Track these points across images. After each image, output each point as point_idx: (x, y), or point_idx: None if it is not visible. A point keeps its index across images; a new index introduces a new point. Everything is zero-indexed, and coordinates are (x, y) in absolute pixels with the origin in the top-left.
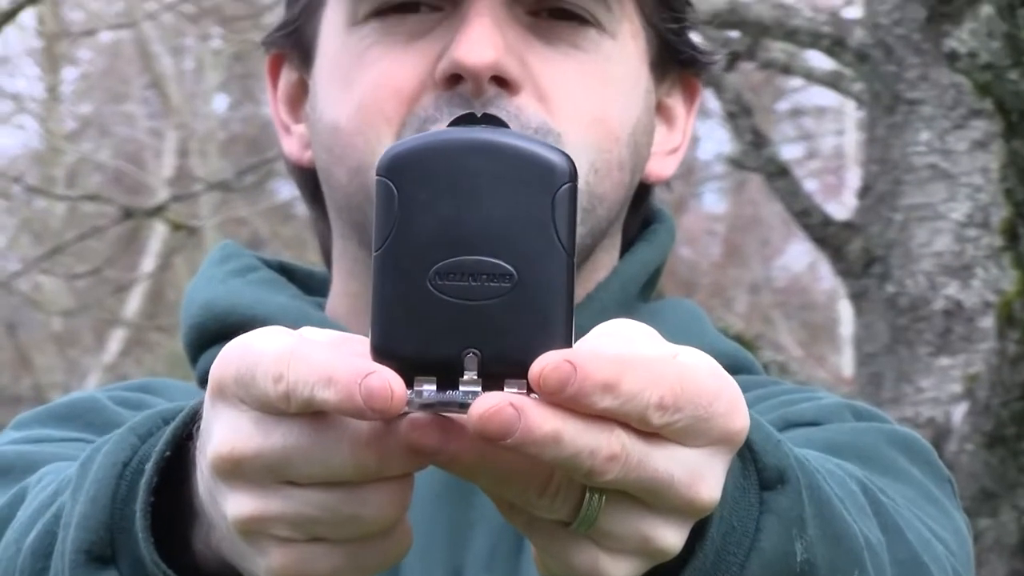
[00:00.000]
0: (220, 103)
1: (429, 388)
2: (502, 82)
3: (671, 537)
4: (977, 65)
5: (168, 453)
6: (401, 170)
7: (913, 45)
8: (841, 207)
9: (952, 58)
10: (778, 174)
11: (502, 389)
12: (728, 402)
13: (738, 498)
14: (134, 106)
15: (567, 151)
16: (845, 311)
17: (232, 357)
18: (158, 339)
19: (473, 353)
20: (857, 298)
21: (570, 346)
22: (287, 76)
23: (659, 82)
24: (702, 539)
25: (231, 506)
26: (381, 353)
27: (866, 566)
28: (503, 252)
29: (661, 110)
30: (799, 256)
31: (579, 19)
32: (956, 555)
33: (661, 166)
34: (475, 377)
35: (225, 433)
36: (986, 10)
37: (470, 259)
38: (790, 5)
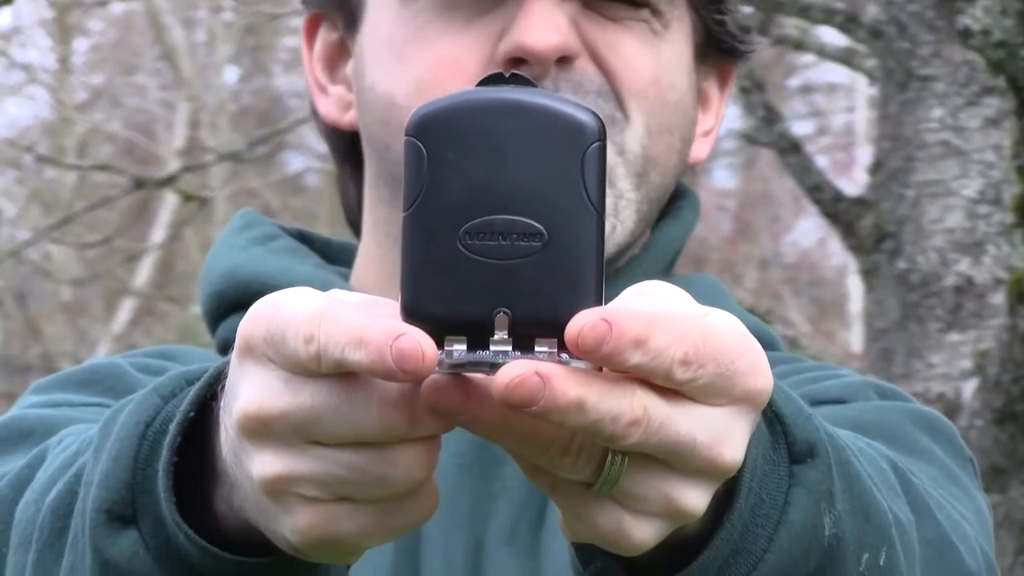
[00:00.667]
0: (231, 75)
1: (460, 348)
2: (563, 59)
3: (695, 498)
4: (990, 42)
5: (192, 413)
6: (430, 130)
7: (926, 22)
8: (851, 184)
9: (965, 35)
10: (790, 150)
11: (532, 348)
12: (751, 362)
13: (767, 471)
14: (145, 77)
15: (629, 114)
16: (854, 287)
17: (261, 316)
18: (168, 309)
19: (504, 313)
20: (868, 274)
21: (601, 305)
22: (325, 36)
23: (699, 67)
24: (730, 510)
25: (257, 465)
26: (411, 314)
27: (895, 543)
28: (533, 211)
29: (698, 94)
30: (809, 232)
31: (631, 2)
32: (979, 535)
33: (696, 148)
34: (506, 337)
35: (252, 392)
36: None
37: (500, 218)
38: None
